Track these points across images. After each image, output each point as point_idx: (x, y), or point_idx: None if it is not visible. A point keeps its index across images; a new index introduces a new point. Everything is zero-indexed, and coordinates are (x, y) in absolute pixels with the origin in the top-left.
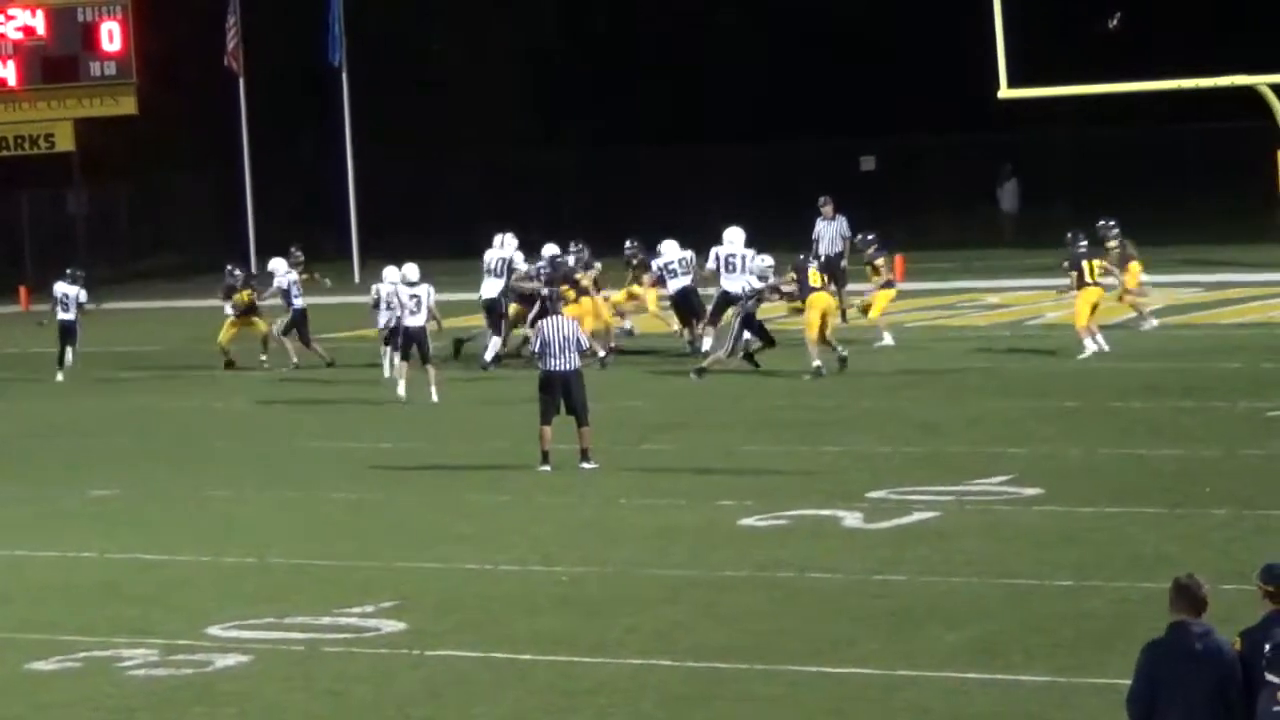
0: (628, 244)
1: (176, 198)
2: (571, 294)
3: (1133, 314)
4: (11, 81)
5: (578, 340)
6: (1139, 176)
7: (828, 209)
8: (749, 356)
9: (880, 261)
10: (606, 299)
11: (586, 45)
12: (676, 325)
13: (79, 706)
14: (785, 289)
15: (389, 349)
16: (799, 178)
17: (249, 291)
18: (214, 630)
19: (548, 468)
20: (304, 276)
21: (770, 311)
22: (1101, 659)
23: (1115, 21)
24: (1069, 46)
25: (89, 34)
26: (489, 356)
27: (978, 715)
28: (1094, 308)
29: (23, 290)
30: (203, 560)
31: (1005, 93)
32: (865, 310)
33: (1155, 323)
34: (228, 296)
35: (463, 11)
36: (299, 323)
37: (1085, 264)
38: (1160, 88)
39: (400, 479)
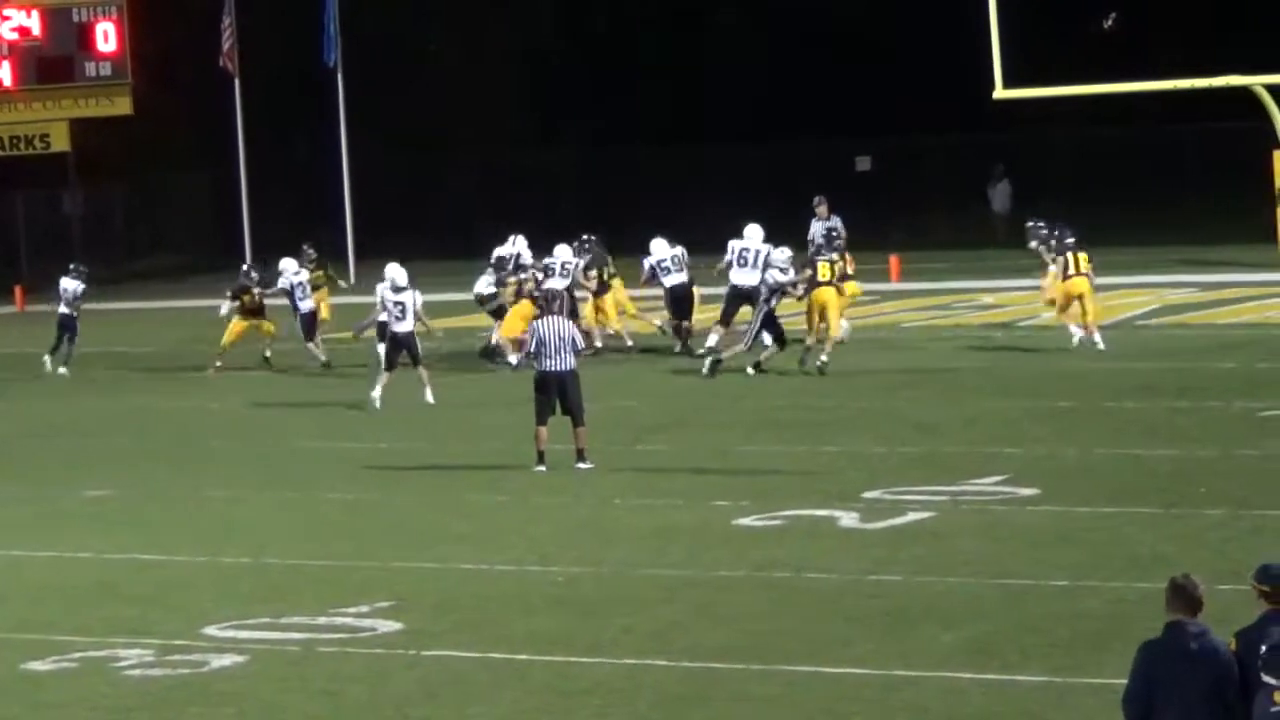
0: (584, 238)
1: (172, 198)
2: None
3: (1049, 314)
4: (7, 82)
5: (573, 340)
6: (1135, 177)
7: (822, 209)
8: (757, 366)
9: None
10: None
11: (584, 45)
12: (658, 321)
13: (75, 706)
14: (800, 286)
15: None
16: (797, 178)
17: (255, 294)
18: (210, 630)
19: (543, 468)
20: (317, 274)
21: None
22: (1098, 659)
23: (1111, 22)
24: (1065, 47)
25: (84, 34)
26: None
27: (974, 715)
28: (1080, 298)
29: (18, 290)
30: (199, 560)
31: (1001, 93)
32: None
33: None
34: (235, 297)
35: (459, 11)
36: (307, 323)
37: (1071, 255)
38: (1156, 88)
39: (397, 479)
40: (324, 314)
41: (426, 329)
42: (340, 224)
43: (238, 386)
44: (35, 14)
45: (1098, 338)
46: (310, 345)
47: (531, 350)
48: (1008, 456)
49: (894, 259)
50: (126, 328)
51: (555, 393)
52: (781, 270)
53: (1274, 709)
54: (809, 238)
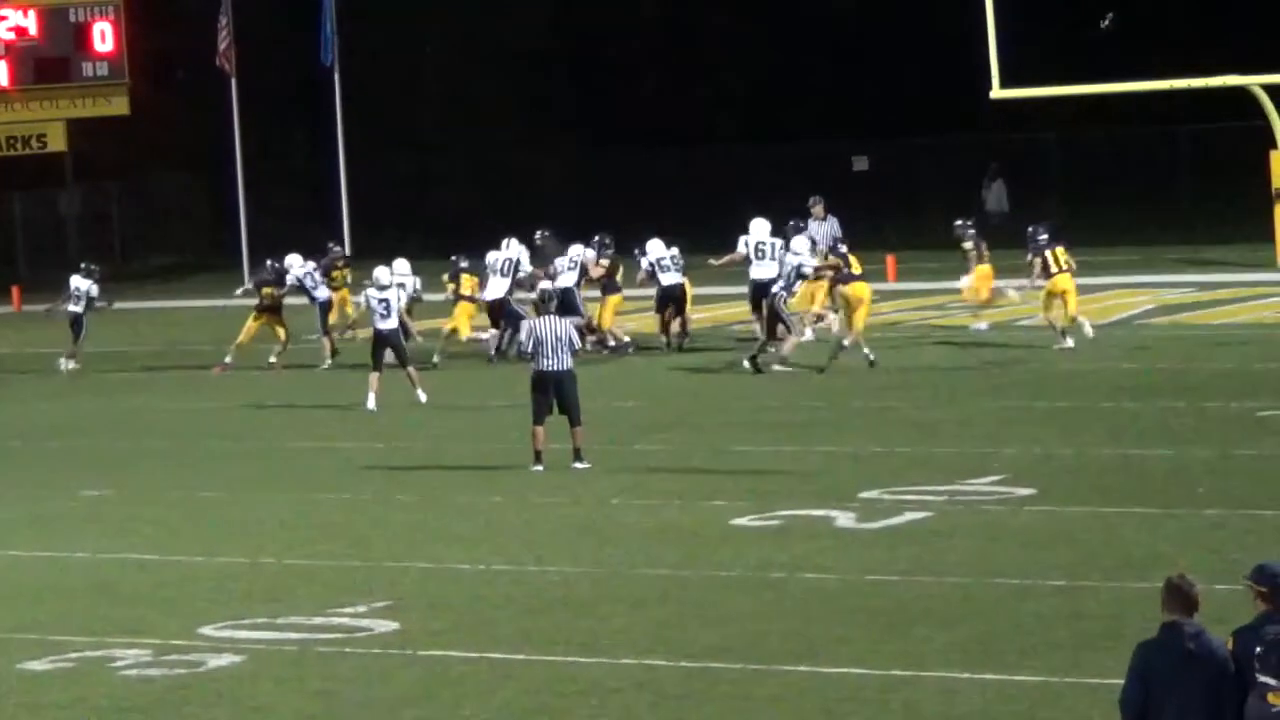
0: (599, 238)
1: (169, 198)
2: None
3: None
4: (3, 81)
5: (570, 340)
6: (1132, 177)
7: (818, 209)
8: (753, 361)
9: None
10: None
11: (581, 45)
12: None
13: (72, 707)
14: (828, 270)
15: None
16: (794, 178)
17: (274, 290)
18: (207, 630)
19: (540, 468)
20: (343, 270)
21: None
22: (1094, 659)
23: (1108, 22)
24: (1062, 47)
25: (81, 34)
26: (492, 350)
27: (971, 715)
28: (1064, 295)
29: (15, 290)
30: (196, 560)
31: (998, 93)
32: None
33: (984, 326)
34: (257, 287)
35: (456, 11)
36: (324, 312)
37: (1049, 253)
38: (1153, 88)
39: (394, 479)
40: (350, 312)
41: (409, 329)
42: (337, 224)
43: (236, 387)
44: (32, 14)
45: (1087, 328)
46: (325, 340)
47: (529, 350)
48: (1004, 456)
49: (890, 258)
50: (123, 328)
51: (552, 392)
52: (798, 254)
53: (1274, 709)
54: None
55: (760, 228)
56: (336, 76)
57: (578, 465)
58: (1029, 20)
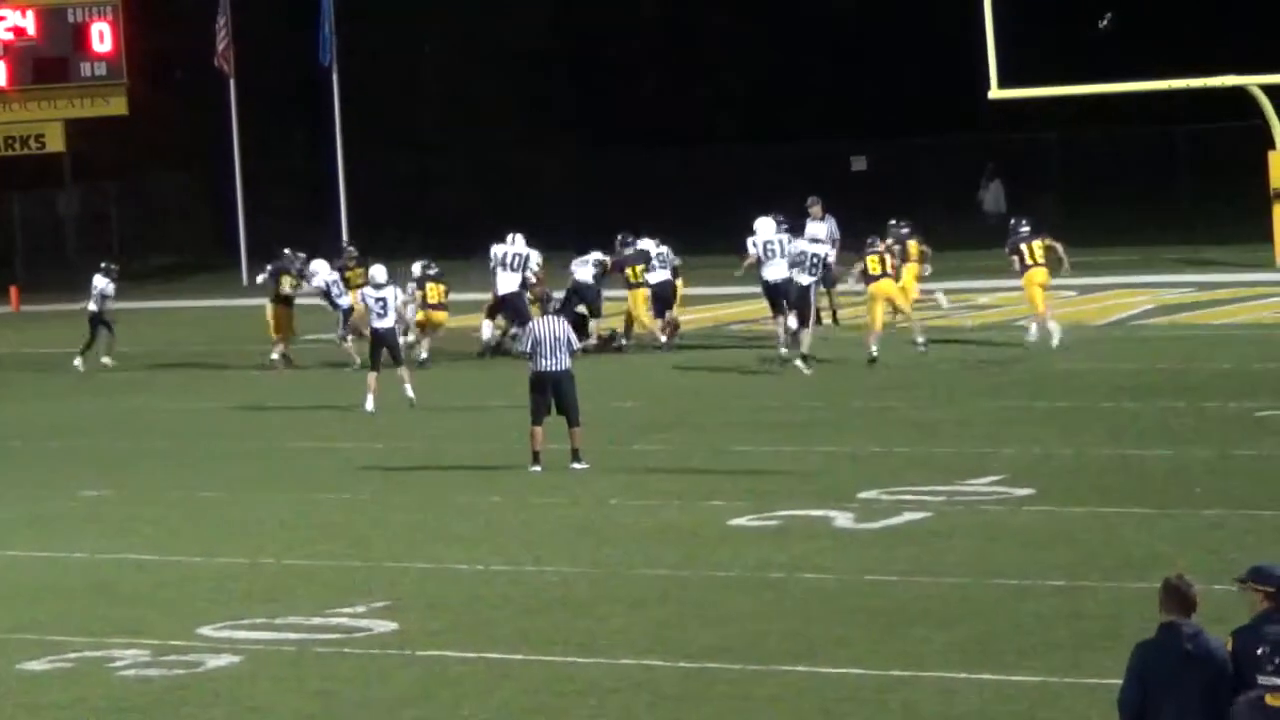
0: (622, 236)
1: (167, 199)
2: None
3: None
4: (2, 82)
5: (569, 340)
6: (1131, 177)
7: (816, 209)
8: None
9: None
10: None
11: (580, 45)
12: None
13: (71, 707)
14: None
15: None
16: (792, 178)
17: (294, 279)
18: (205, 630)
19: (539, 468)
20: (356, 270)
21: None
22: (1093, 659)
23: (1106, 22)
24: (1060, 47)
25: (80, 34)
26: (488, 342)
27: (969, 715)
28: (1042, 289)
29: (14, 291)
30: (195, 561)
31: (996, 93)
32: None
33: (919, 331)
34: (275, 276)
35: (455, 11)
36: (346, 319)
37: (1025, 246)
38: (1151, 88)
39: (392, 480)
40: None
41: (406, 328)
42: (335, 224)
43: (236, 387)
44: (30, 14)
45: (1038, 329)
46: (346, 344)
47: (527, 350)
48: (1003, 457)
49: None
50: (121, 328)
51: (551, 393)
52: (818, 240)
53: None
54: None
55: (766, 227)
56: (335, 76)
57: (576, 465)
58: (1028, 20)
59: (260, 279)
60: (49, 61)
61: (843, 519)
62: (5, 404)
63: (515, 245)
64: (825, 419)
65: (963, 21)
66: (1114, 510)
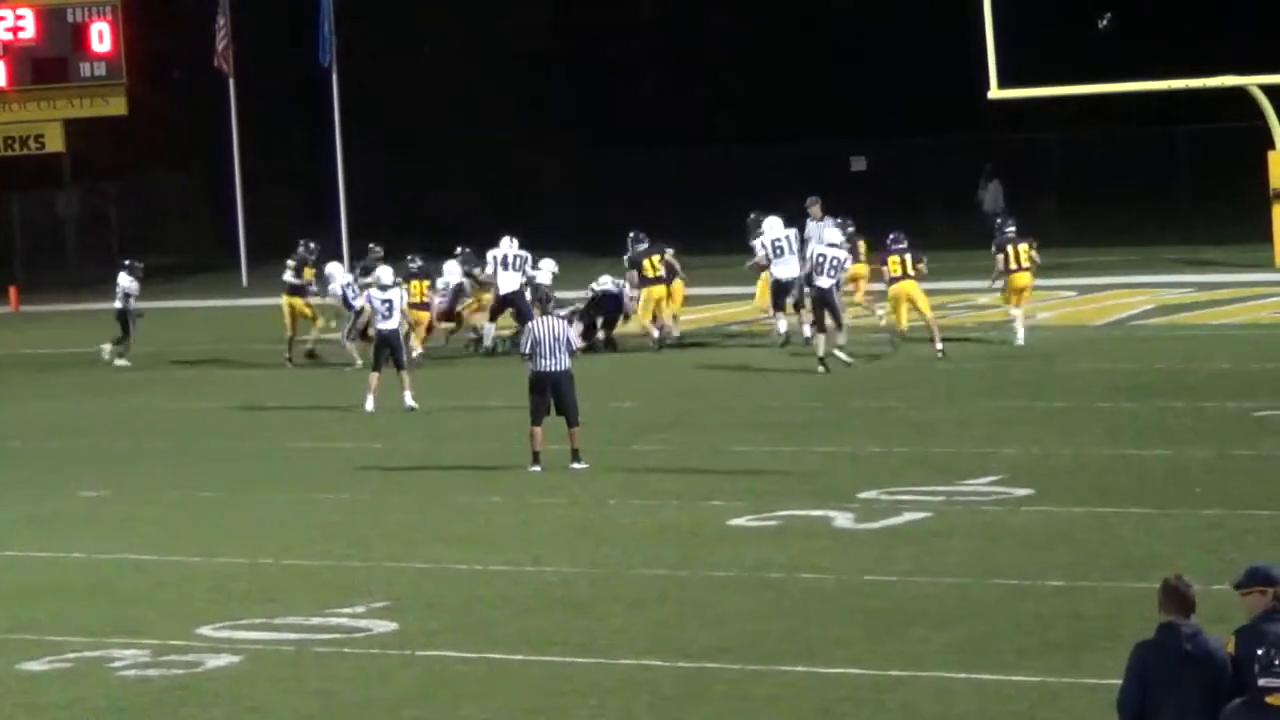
0: (634, 234)
1: (167, 199)
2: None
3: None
4: (1, 82)
5: (568, 340)
6: (1131, 177)
7: (815, 209)
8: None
9: (755, 244)
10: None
11: (580, 46)
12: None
13: (70, 707)
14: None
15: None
16: (791, 178)
17: (312, 270)
18: (205, 630)
19: (538, 468)
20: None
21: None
22: (1093, 659)
23: (1106, 22)
24: (1060, 47)
25: (79, 34)
26: (488, 341)
27: (968, 715)
28: (1021, 291)
29: (13, 291)
30: (194, 561)
31: (996, 93)
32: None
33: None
34: (299, 270)
35: (454, 12)
36: (357, 319)
37: (1010, 249)
38: (1151, 88)
39: (391, 480)
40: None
41: (410, 328)
42: (335, 225)
43: (235, 387)
44: (30, 14)
45: (1020, 332)
46: (349, 344)
47: (526, 351)
48: (1002, 457)
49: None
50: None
51: (550, 393)
52: (835, 244)
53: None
54: (804, 238)
55: (774, 225)
56: (335, 77)
57: (575, 466)
58: (1027, 20)
59: (287, 276)
60: (48, 61)
61: (842, 519)
62: (4, 404)
63: (512, 247)
64: (824, 419)
65: (962, 22)
66: (1113, 510)
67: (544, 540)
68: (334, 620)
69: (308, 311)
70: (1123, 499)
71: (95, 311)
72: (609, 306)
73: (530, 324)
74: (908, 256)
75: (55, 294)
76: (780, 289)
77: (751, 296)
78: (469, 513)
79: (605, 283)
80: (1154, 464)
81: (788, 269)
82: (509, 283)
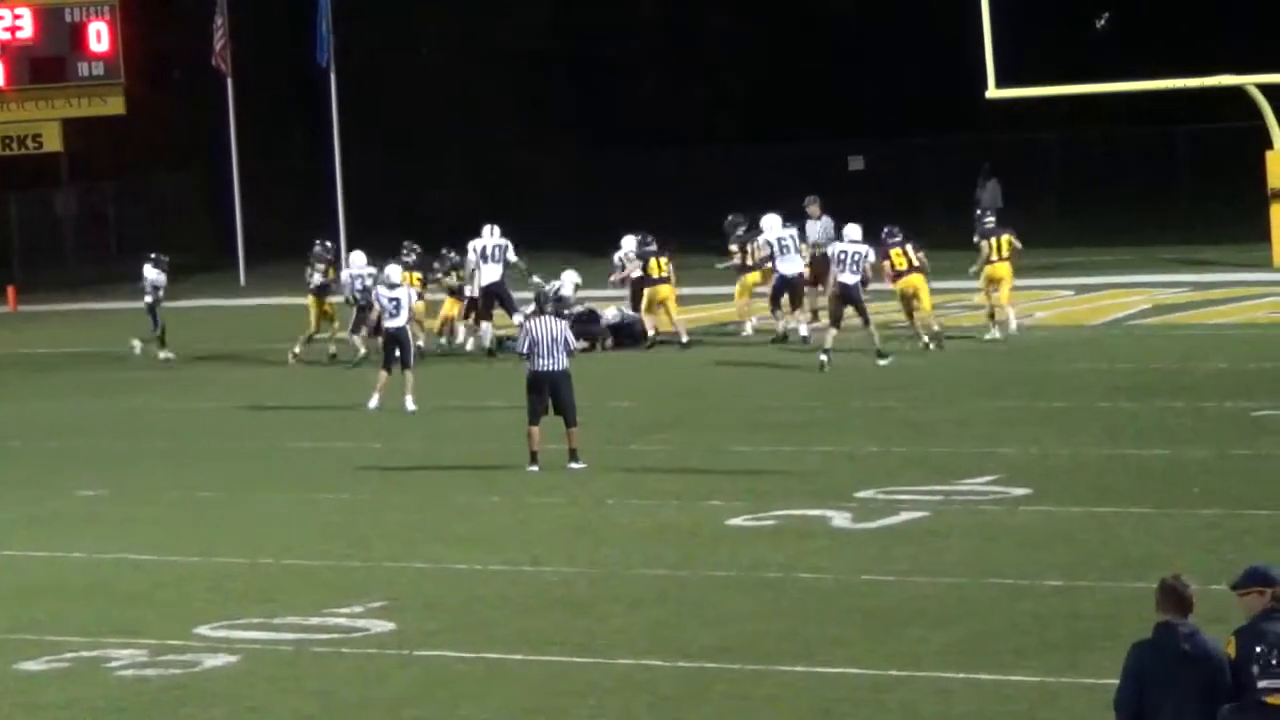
0: (642, 236)
1: (165, 199)
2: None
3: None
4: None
5: (566, 340)
6: (1128, 177)
7: (814, 208)
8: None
9: (733, 248)
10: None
11: (579, 46)
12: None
13: (68, 707)
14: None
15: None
16: (790, 177)
17: (334, 269)
18: (203, 630)
19: (536, 468)
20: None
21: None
22: (1091, 659)
23: (1104, 22)
24: (1058, 46)
25: (77, 34)
26: (486, 340)
27: (967, 715)
28: (998, 283)
29: (11, 290)
30: (192, 561)
31: (994, 93)
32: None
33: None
34: (325, 269)
35: (453, 11)
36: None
37: (991, 240)
38: (1149, 88)
39: (390, 480)
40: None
41: (420, 328)
42: (333, 224)
43: (236, 387)
44: (28, 13)
45: (1000, 329)
46: (355, 338)
47: (524, 350)
48: (1000, 456)
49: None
50: (121, 328)
51: (548, 393)
52: (856, 240)
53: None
54: (805, 238)
55: (774, 224)
56: (333, 76)
57: (573, 465)
58: (1026, 20)
59: (316, 279)
60: (46, 61)
61: (840, 519)
62: (3, 404)
63: (493, 237)
64: (823, 419)
65: (961, 22)
66: (1111, 510)
67: (543, 540)
68: (332, 620)
69: (329, 311)
70: (1121, 499)
71: (93, 311)
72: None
73: (528, 324)
74: (908, 248)
75: (53, 294)
76: (782, 286)
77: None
78: (468, 513)
79: (567, 282)
80: (1152, 464)
81: (792, 266)
82: (489, 274)
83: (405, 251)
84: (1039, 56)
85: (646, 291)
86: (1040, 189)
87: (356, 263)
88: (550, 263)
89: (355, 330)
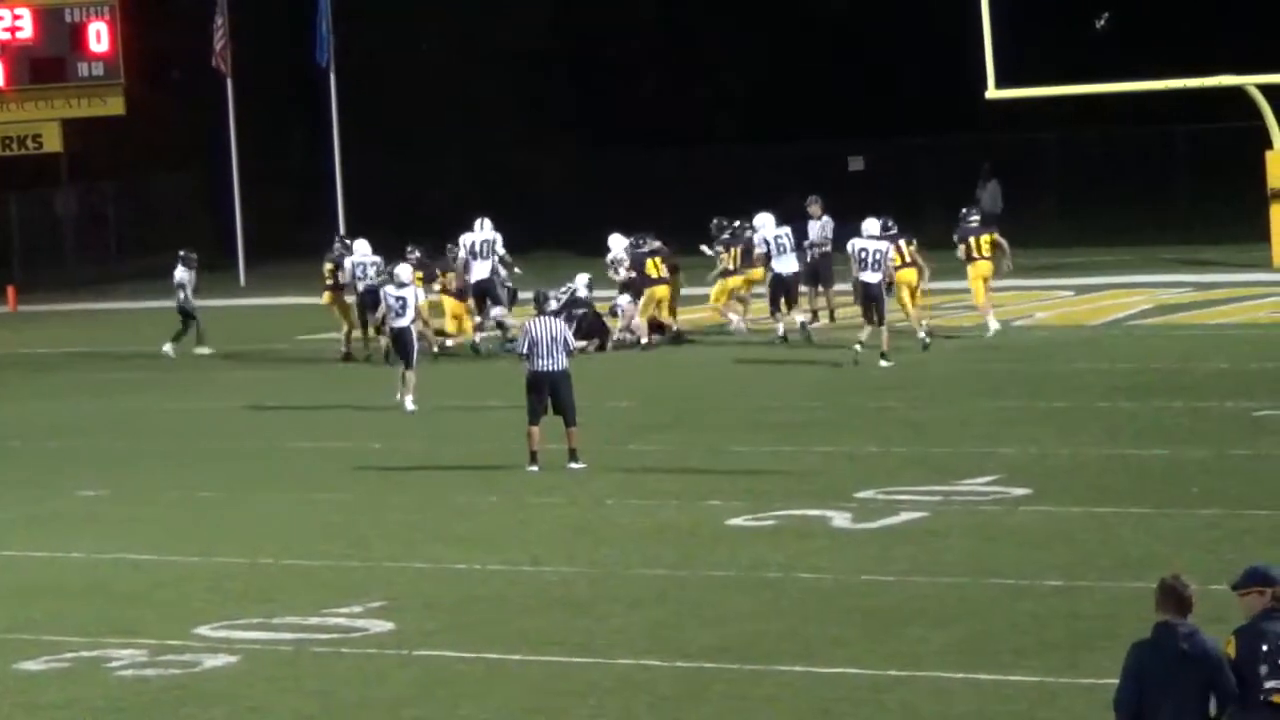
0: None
1: (165, 199)
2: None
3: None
4: None
5: (565, 340)
6: (1128, 177)
7: (815, 208)
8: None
9: (720, 249)
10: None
11: (579, 46)
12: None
13: (68, 707)
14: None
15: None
16: (790, 178)
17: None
18: (203, 630)
19: (536, 468)
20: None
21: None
22: (1091, 659)
23: (1103, 22)
24: (1057, 47)
25: (77, 34)
26: (478, 337)
27: (966, 715)
28: (984, 281)
29: (11, 290)
30: (192, 561)
31: (993, 93)
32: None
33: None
34: (337, 266)
35: (453, 11)
36: (365, 305)
37: (973, 239)
38: (1148, 88)
39: (390, 480)
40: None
41: (425, 325)
42: (333, 224)
43: (236, 387)
44: (27, 14)
45: (991, 322)
46: (359, 333)
47: (523, 350)
48: (1000, 456)
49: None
50: (117, 328)
51: (547, 393)
52: (874, 236)
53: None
54: (807, 238)
55: (768, 222)
56: (332, 76)
57: (573, 465)
58: (1026, 20)
59: (345, 282)
60: (46, 61)
61: (840, 519)
62: (3, 404)
63: (484, 232)
64: (823, 419)
65: (961, 22)
66: (1111, 510)
67: (542, 540)
68: (332, 620)
69: (347, 309)
70: (1121, 499)
71: (93, 311)
72: (591, 327)
73: (527, 324)
74: (902, 242)
75: (53, 294)
76: (778, 285)
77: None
78: (468, 513)
79: (580, 284)
80: (1152, 464)
81: (787, 265)
82: (479, 271)
83: (409, 251)
84: (1039, 57)
85: (645, 292)
86: (1040, 189)
87: (360, 251)
88: (551, 263)
89: (382, 326)
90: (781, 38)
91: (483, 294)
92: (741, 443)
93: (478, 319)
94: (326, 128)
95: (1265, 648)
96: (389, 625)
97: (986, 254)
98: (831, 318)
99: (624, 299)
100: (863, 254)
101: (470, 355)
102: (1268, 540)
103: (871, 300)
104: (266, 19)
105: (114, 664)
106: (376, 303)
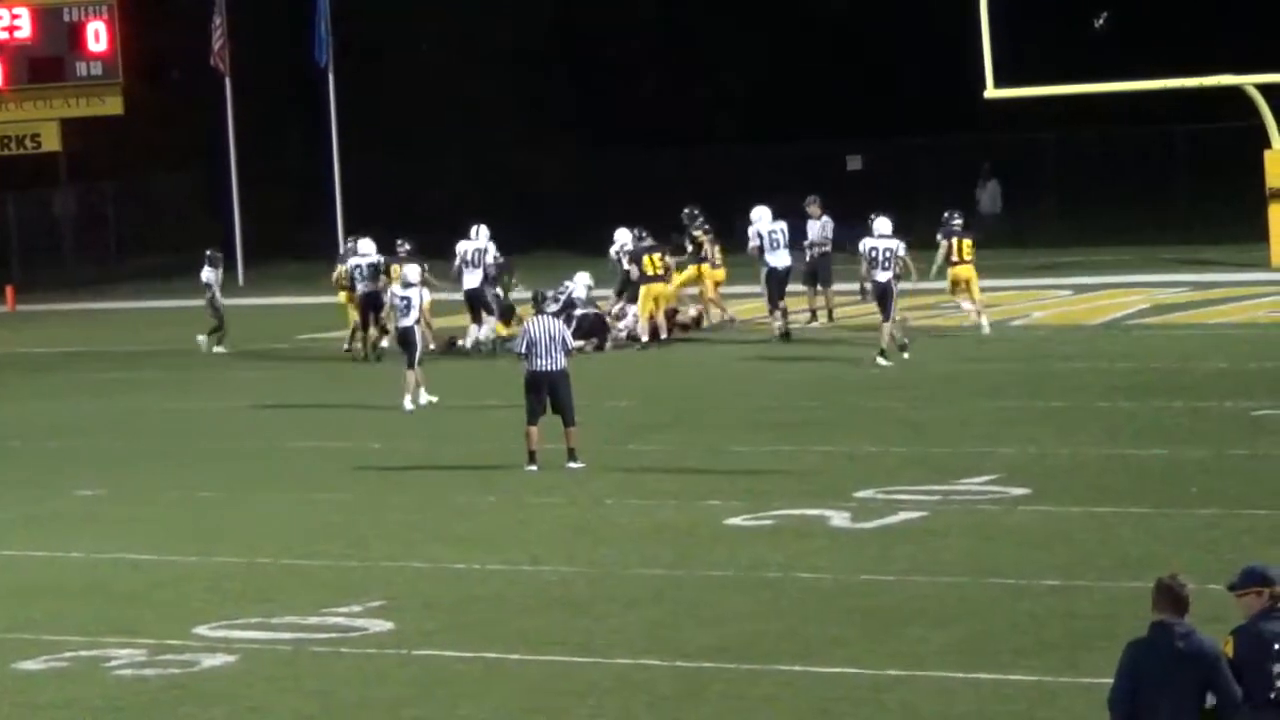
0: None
1: (163, 198)
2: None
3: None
4: None
5: (564, 340)
6: (1127, 176)
7: (814, 208)
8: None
9: (700, 235)
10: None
11: (578, 45)
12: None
13: (67, 707)
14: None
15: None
16: (789, 177)
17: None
18: (202, 630)
19: (535, 468)
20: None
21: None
22: (1090, 659)
23: (1102, 21)
24: (1056, 46)
25: (75, 34)
26: (469, 343)
27: (965, 715)
28: (966, 284)
29: (9, 290)
30: (191, 560)
31: (992, 93)
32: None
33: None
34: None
35: (452, 11)
36: (364, 307)
37: (955, 241)
38: (1147, 88)
39: (389, 479)
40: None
41: (429, 327)
42: (331, 224)
43: (236, 387)
44: (26, 13)
45: (985, 322)
46: (360, 335)
47: (522, 350)
48: (999, 456)
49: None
50: (116, 328)
51: (546, 392)
52: (885, 234)
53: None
54: (808, 238)
55: (765, 216)
56: (331, 76)
57: (572, 465)
58: (1025, 20)
59: (362, 288)
60: (44, 61)
61: (839, 518)
62: (3, 404)
63: (478, 240)
64: (822, 418)
65: (960, 21)
66: (1110, 510)
67: (541, 540)
68: (331, 620)
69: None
70: (1120, 499)
71: (93, 311)
72: (592, 327)
73: (526, 324)
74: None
75: (52, 294)
76: (775, 281)
77: (751, 295)
78: (467, 512)
79: (580, 283)
80: (1151, 464)
81: (781, 260)
82: (470, 280)
83: (399, 245)
84: (1038, 56)
85: (642, 289)
86: (1039, 189)
87: (365, 249)
88: (551, 263)
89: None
90: (781, 38)
91: (474, 302)
92: (740, 442)
93: (472, 327)
94: (326, 128)
95: (1277, 646)
96: (388, 625)
97: (968, 258)
98: (830, 317)
99: (632, 309)
100: (874, 252)
101: (470, 355)
102: (1267, 540)
103: (881, 297)
104: (265, 19)
105: (113, 664)
106: (371, 305)
